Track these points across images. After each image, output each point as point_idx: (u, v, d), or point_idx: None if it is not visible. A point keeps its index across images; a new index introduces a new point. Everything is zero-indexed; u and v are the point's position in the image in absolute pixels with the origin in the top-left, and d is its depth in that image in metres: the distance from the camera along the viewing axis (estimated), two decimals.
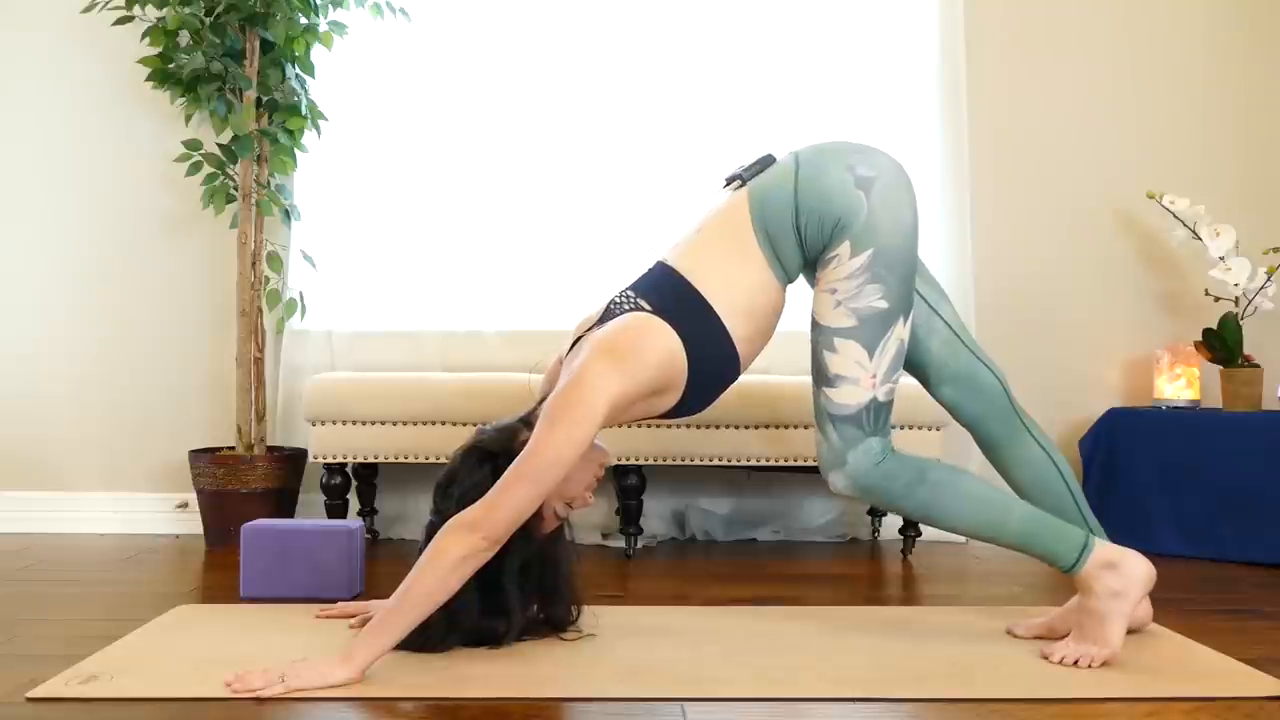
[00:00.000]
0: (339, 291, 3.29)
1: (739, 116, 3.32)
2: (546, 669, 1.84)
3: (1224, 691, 1.75)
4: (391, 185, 3.32)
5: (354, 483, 3.12)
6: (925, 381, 2.14)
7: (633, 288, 1.98)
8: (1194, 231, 3.22)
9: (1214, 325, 3.18)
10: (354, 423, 2.91)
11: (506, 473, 1.79)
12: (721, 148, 3.27)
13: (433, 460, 2.87)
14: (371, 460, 2.93)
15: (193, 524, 3.19)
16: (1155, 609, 2.13)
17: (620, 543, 3.07)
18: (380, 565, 2.75)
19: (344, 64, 3.28)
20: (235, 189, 3.13)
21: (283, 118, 3.13)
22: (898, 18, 3.35)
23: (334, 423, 2.91)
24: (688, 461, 2.90)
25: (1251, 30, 3.48)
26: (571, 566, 2.05)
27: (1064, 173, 3.44)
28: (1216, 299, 3.26)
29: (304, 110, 3.16)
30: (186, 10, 3.01)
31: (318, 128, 3.20)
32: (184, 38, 3.12)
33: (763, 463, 2.92)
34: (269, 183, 3.16)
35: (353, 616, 2.15)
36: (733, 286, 1.94)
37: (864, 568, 2.88)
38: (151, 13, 3.10)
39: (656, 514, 3.26)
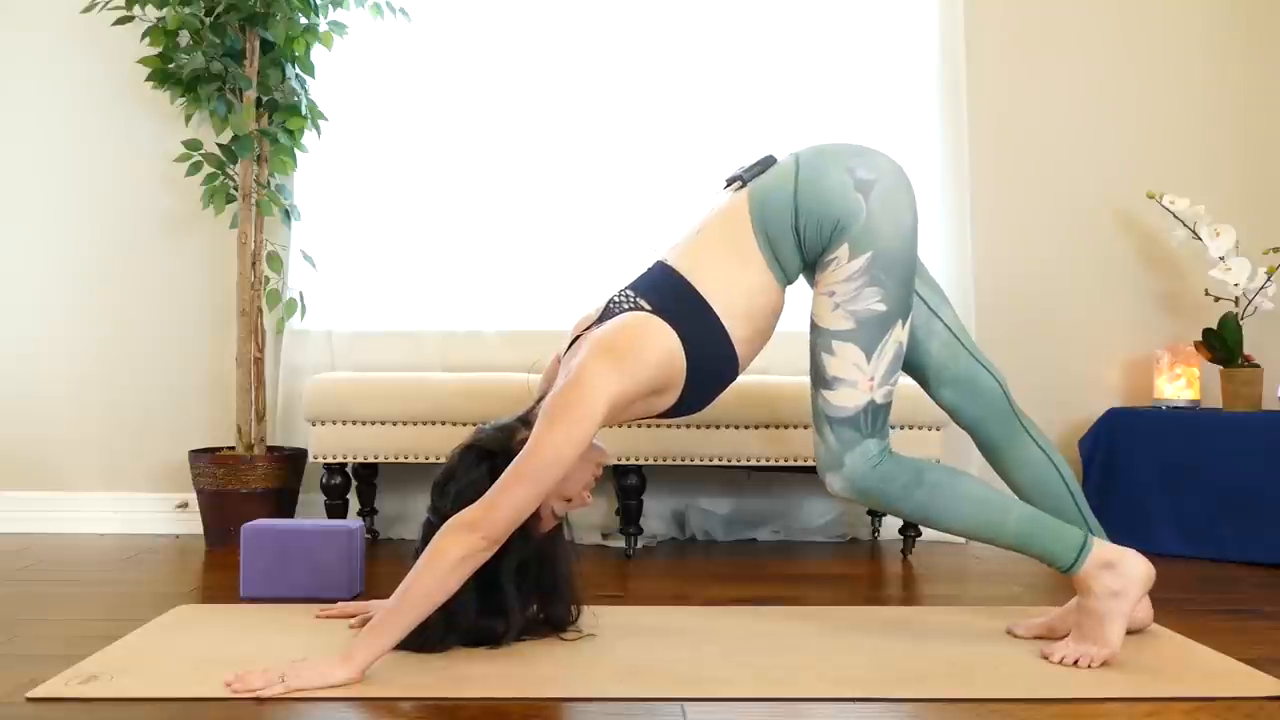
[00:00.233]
0: (339, 291, 3.29)
1: (739, 116, 3.33)
2: (546, 669, 1.84)
3: (1224, 691, 1.75)
4: (391, 185, 3.32)
5: (354, 483, 3.12)
6: (925, 384, 2.14)
7: (632, 287, 1.98)
8: (1194, 231, 3.22)
9: (1214, 325, 3.18)
10: (354, 423, 2.91)
11: (506, 472, 1.79)
12: (721, 148, 3.27)
13: (433, 460, 2.87)
14: (371, 460, 2.93)
15: (193, 524, 3.19)
16: (1155, 609, 2.13)
17: (620, 543, 3.07)
18: (380, 565, 2.75)
19: (344, 64, 3.28)
20: (235, 189, 3.13)
21: (283, 118, 3.13)
22: (898, 18, 3.35)
23: (334, 423, 2.91)
24: (688, 461, 2.90)
25: (1250, 30, 3.48)
26: (570, 566, 2.05)
27: (1064, 173, 3.44)
28: (1216, 299, 3.26)
29: (304, 110, 3.16)
30: (186, 10, 3.01)
31: (318, 128, 3.20)
32: (184, 38, 3.12)
33: (763, 463, 2.92)
34: (269, 183, 3.16)
35: (353, 616, 2.15)
36: (732, 287, 1.94)
37: (864, 568, 2.88)
38: (151, 13, 3.10)
39: (656, 514, 3.26)
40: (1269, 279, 3.16)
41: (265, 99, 3.14)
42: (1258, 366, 3.14)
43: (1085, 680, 1.80)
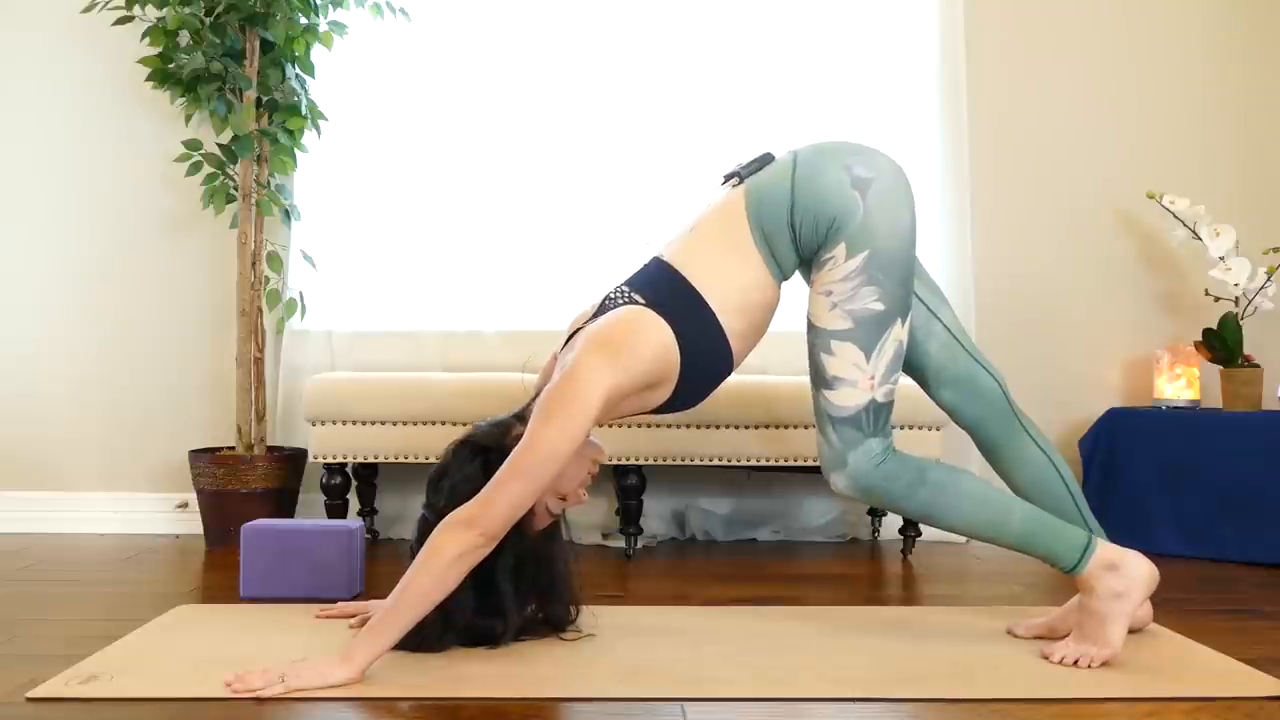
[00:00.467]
0: (339, 291, 3.29)
1: (739, 117, 3.33)
2: (546, 669, 1.84)
3: (1224, 691, 1.75)
4: (391, 185, 3.32)
5: (354, 483, 3.12)
6: (925, 384, 2.14)
7: (628, 283, 1.98)
8: (1194, 231, 3.22)
9: (1214, 325, 3.18)
10: (354, 423, 2.91)
11: (501, 468, 1.79)
12: (722, 148, 3.27)
13: (433, 460, 2.85)
14: (371, 460, 2.93)
15: (193, 524, 3.19)
16: (1155, 609, 2.14)
17: (620, 543, 3.07)
18: (380, 565, 2.75)
19: (344, 64, 3.28)
20: (235, 189, 3.13)
21: (283, 118, 3.13)
22: (898, 18, 3.35)
23: (334, 423, 2.91)
24: (688, 461, 2.90)
25: (1251, 30, 3.48)
26: (568, 565, 2.05)
27: (1064, 173, 3.44)
28: (1216, 299, 3.26)
29: (304, 110, 3.16)
30: (186, 10, 3.01)
31: (318, 128, 3.20)
32: (184, 38, 3.12)
33: (763, 463, 2.92)
34: (269, 183, 3.16)
35: (353, 616, 2.15)
36: (728, 283, 1.94)
37: (864, 568, 2.88)
38: (151, 13, 3.10)
39: (656, 514, 3.26)
40: (1269, 279, 3.16)
41: (265, 99, 3.14)
42: (1258, 366, 3.14)
43: (1085, 680, 1.80)
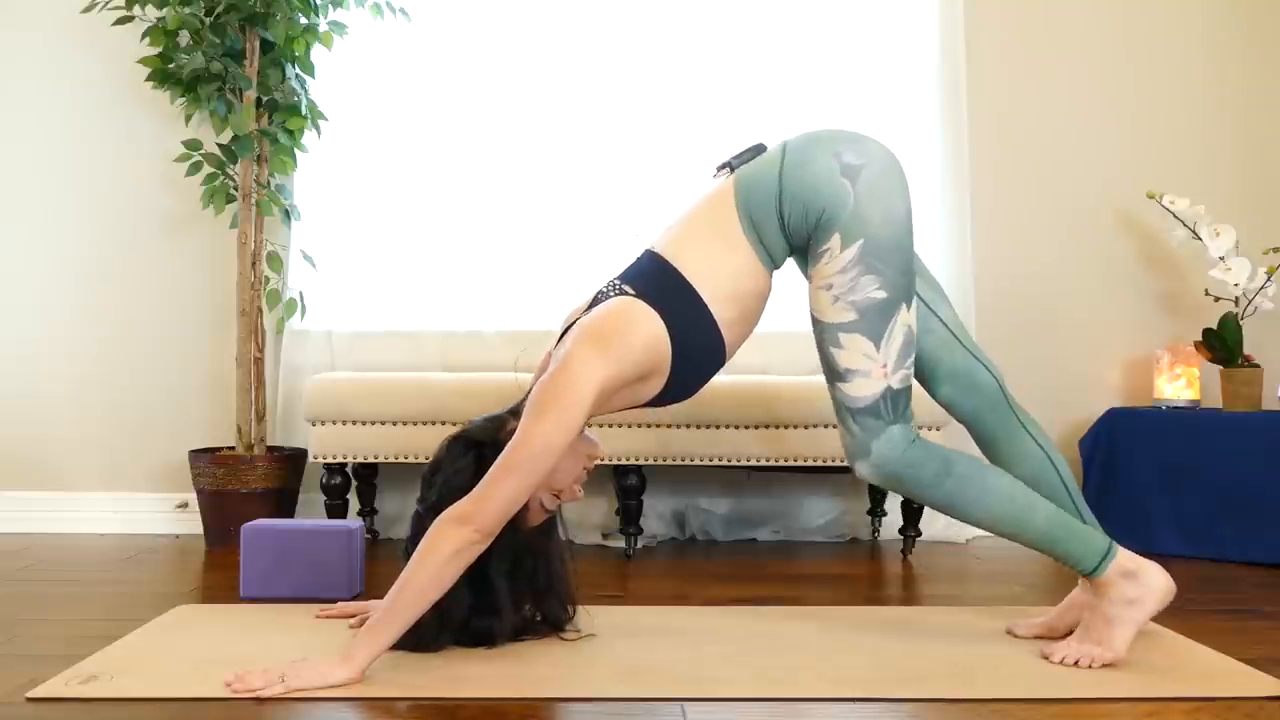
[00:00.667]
0: (339, 291, 3.29)
1: (740, 118, 3.32)
2: (545, 669, 1.84)
3: (1224, 691, 1.75)
4: (391, 185, 3.32)
5: (354, 483, 3.12)
6: (922, 380, 2.13)
7: (620, 276, 1.97)
8: (1194, 231, 3.22)
9: (1214, 325, 3.18)
10: (354, 423, 2.91)
11: (495, 464, 1.78)
12: (722, 148, 3.25)
13: None
14: (371, 460, 2.93)
15: (193, 524, 3.19)
16: None
17: (620, 543, 3.07)
18: (380, 565, 2.75)
19: (344, 64, 3.28)
20: (235, 189, 3.13)
21: (283, 118, 3.13)
22: (898, 18, 3.35)
23: (334, 423, 2.91)
24: (688, 461, 2.90)
25: (1251, 30, 3.48)
26: (564, 563, 2.04)
27: (1064, 173, 3.44)
28: (1216, 299, 3.26)
29: (304, 110, 3.16)
30: (186, 10, 3.01)
31: (318, 128, 3.20)
32: (184, 38, 3.12)
33: (762, 463, 2.92)
34: (269, 183, 3.16)
35: (352, 616, 2.15)
36: (716, 271, 1.92)
37: (864, 568, 2.88)
38: (151, 13, 3.10)
39: (656, 514, 3.26)
40: (1269, 279, 3.16)
41: (265, 99, 3.14)
42: (1258, 366, 3.14)
43: (1085, 680, 1.80)
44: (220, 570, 2.71)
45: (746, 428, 2.89)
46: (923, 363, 2.11)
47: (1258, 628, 2.22)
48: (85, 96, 3.34)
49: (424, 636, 1.85)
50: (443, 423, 2.87)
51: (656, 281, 1.91)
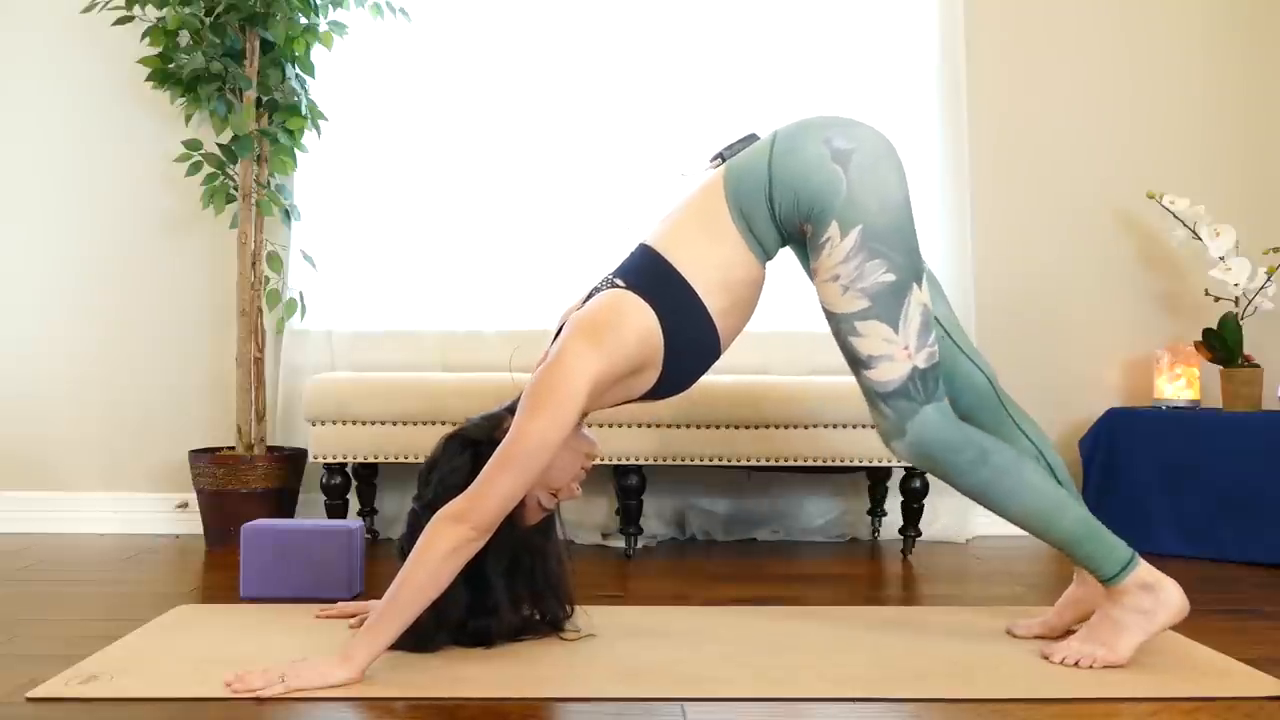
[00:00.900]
0: (339, 291, 3.29)
1: (740, 118, 3.32)
2: (546, 669, 1.84)
3: (1224, 691, 1.75)
4: (391, 185, 3.32)
5: (354, 483, 3.12)
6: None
7: (614, 270, 1.97)
8: (1194, 231, 3.21)
9: (1214, 325, 3.18)
10: (354, 423, 2.91)
11: (490, 460, 1.78)
12: (717, 148, 3.26)
13: None
14: (371, 460, 2.93)
15: (193, 524, 3.19)
16: None
17: (620, 543, 3.06)
18: (380, 565, 2.75)
19: (344, 64, 3.28)
20: (235, 189, 3.13)
21: (283, 118, 3.13)
22: (898, 18, 3.35)
23: (334, 423, 2.91)
24: (688, 461, 2.90)
25: (1251, 30, 3.48)
26: (562, 562, 2.04)
27: (1064, 173, 3.44)
28: (1216, 299, 3.26)
29: (304, 110, 3.16)
30: (186, 10, 3.01)
31: (318, 128, 3.20)
32: (184, 38, 3.12)
33: (763, 463, 2.92)
34: (269, 183, 3.16)
35: (352, 616, 2.15)
36: (706, 260, 1.90)
37: (864, 568, 2.88)
38: (151, 13, 3.10)
39: (656, 514, 3.26)
40: (1269, 279, 3.16)
41: (265, 99, 3.14)
42: (1258, 366, 3.14)
43: (1085, 680, 1.80)
44: (220, 570, 2.71)
45: (747, 428, 2.89)
46: None
47: (1258, 628, 2.22)
48: (85, 96, 3.34)
49: (422, 636, 1.85)
50: (442, 423, 2.87)
51: (648, 274, 1.91)
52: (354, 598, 2.35)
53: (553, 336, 2.02)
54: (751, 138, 2.01)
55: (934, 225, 3.29)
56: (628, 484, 2.92)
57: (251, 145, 3.06)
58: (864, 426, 2.89)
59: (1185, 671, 1.85)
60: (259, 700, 1.66)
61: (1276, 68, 3.48)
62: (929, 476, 2.97)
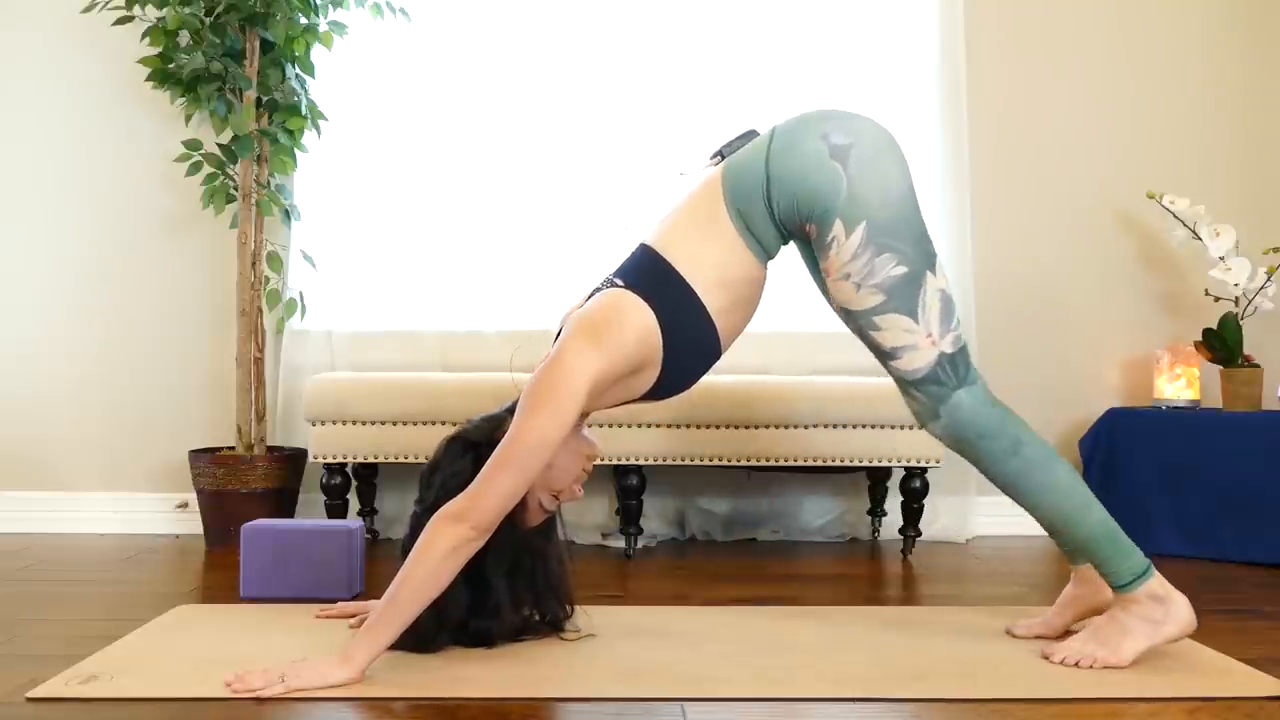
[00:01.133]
0: (339, 291, 3.29)
1: (740, 117, 3.31)
2: (546, 669, 1.84)
3: (1224, 691, 1.75)
4: (391, 185, 3.32)
5: (354, 483, 3.12)
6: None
7: (614, 270, 1.97)
8: (1194, 231, 3.21)
9: (1214, 325, 3.18)
10: (354, 423, 2.91)
11: (490, 460, 1.78)
12: (717, 146, 3.26)
13: None
14: (371, 460, 2.93)
15: (193, 524, 3.19)
16: None
17: (620, 543, 3.06)
18: (380, 565, 2.75)
19: (344, 64, 3.28)
20: (235, 189, 3.13)
21: (283, 118, 3.13)
22: (898, 17, 3.35)
23: (334, 423, 2.91)
24: (688, 461, 2.90)
25: (1251, 30, 3.48)
26: (563, 563, 2.04)
27: (1064, 173, 3.44)
28: (1216, 299, 3.26)
29: (304, 110, 3.16)
30: (186, 10, 3.01)
31: (318, 128, 3.20)
32: (184, 38, 3.12)
33: (763, 463, 2.92)
34: (269, 183, 3.16)
35: (352, 616, 2.15)
36: (704, 260, 1.90)
37: (864, 568, 2.88)
38: (151, 13, 3.10)
39: (656, 514, 3.26)
40: (1269, 279, 3.16)
41: (265, 99, 3.14)
42: (1258, 366, 3.14)
43: (1085, 680, 1.80)
44: (220, 570, 2.71)
45: (747, 428, 2.89)
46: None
47: (1258, 628, 2.22)
48: (85, 96, 3.34)
49: (423, 637, 1.85)
50: (442, 423, 2.87)
51: (647, 273, 1.90)
52: (354, 598, 2.35)
53: (554, 337, 2.02)
54: (751, 134, 2.00)
55: (934, 225, 3.28)
56: (628, 484, 2.92)
57: (251, 145, 3.06)
58: (864, 426, 2.89)
59: (1185, 671, 1.85)
60: (259, 700, 1.66)
61: (1276, 68, 3.48)
62: (929, 477, 2.98)
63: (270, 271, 3.18)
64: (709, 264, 1.90)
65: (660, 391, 1.95)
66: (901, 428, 2.88)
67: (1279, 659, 1.96)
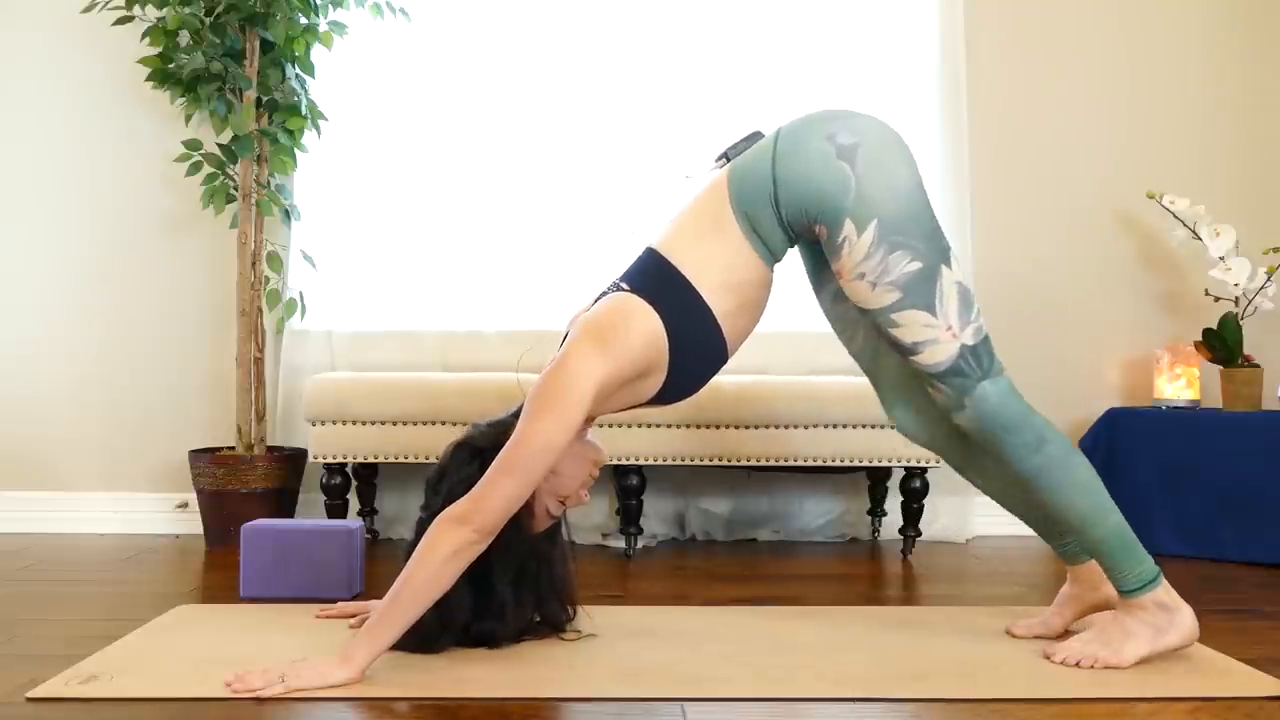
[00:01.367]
0: (339, 291, 3.29)
1: (740, 117, 3.32)
2: (546, 669, 1.84)
3: (1224, 691, 1.75)
4: (391, 185, 3.32)
5: (354, 483, 3.12)
6: (880, 399, 2.12)
7: (621, 274, 1.96)
8: (1194, 231, 3.21)
9: (1214, 325, 3.18)
10: (354, 423, 2.91)
11: (494, 463, 1.77)
12: (722, 147, 3.26)
13: (433, 460, 2.85)
14: (371, 460, 2.93)
15: (193, 524, 3.18)
16: None
17: (620, 543, 3.06)
18: (380, 565, 2.75)
19: (344, 64, 3.28)
20: (235, 189, 3.13)
21: (283, 118, 3.13)
22: (898, 17, 3.35)
23: (334, 423, 2.91)
24: (688, 461, 2.90)
25: (1250, 30, 3.48)
26: (568, 567, 2.04)
27: (1064, 172, 3.44)
28: (1216, 299, 3.26)
29: (304, 110, 3.16)
30: (186, 10, 3.01)
31: (318, 128, 3.20)
32: (184, 38, 3.12)
33: (762, 463, 2.92)
34: (269, 183, 3.16)
35: (352, 616, 2.15)
36: (711, 262, 1.89)
37: (864, 568, 2.88)
38: (151, 13, 3.10)
39: (656, 514, 3.26)
40: (1269, 279, 3.16)
41: (265, 99, 3.14)
42: (1258, 366, 3.14)
43: (1085, 680, 1.80)
44: (220, 570, 2.71)
45: (746, 428, 2.89)
46: (879, 383, 2.10)
47: (1258, 628, 2.23)
48: (85, 96, 3.34)
49: (426, 638, 1.85)
50: (443, 423, 2.88)
51: (654, 277, 1.90)
52: (354, 598, 2.35)
53: (560, 341, 2.02)
54: (755, 136, 1.99)
55: None
56: (628, 484, 2.92)
57: (251, 145, 3.06)
58: (864, 426, 2.89)
59: (1185, 671, 1.85)
60: (259, 700, 1.66)
61: (1276, 68, 3.48)
62: (929, 477, 2.98)
63: (270, 271, 3.18)
64: (715, 267, 1.90)
65: (667, 396, 1.95)
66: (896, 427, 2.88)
67: (1279, 659, 1.96)
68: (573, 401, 1.77)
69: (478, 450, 1.92)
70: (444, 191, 3.33)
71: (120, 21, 3.08)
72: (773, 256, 1.95)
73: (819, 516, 3.31)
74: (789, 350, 3.22)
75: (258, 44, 3.09)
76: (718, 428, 2.88)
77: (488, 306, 3.31)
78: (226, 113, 3.08)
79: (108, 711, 1.63)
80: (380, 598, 2.00)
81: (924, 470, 2.96)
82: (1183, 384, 3.24)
